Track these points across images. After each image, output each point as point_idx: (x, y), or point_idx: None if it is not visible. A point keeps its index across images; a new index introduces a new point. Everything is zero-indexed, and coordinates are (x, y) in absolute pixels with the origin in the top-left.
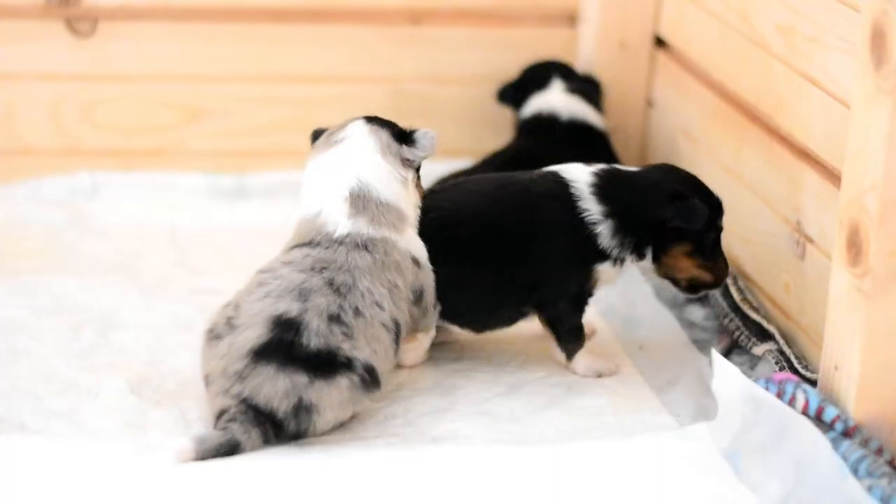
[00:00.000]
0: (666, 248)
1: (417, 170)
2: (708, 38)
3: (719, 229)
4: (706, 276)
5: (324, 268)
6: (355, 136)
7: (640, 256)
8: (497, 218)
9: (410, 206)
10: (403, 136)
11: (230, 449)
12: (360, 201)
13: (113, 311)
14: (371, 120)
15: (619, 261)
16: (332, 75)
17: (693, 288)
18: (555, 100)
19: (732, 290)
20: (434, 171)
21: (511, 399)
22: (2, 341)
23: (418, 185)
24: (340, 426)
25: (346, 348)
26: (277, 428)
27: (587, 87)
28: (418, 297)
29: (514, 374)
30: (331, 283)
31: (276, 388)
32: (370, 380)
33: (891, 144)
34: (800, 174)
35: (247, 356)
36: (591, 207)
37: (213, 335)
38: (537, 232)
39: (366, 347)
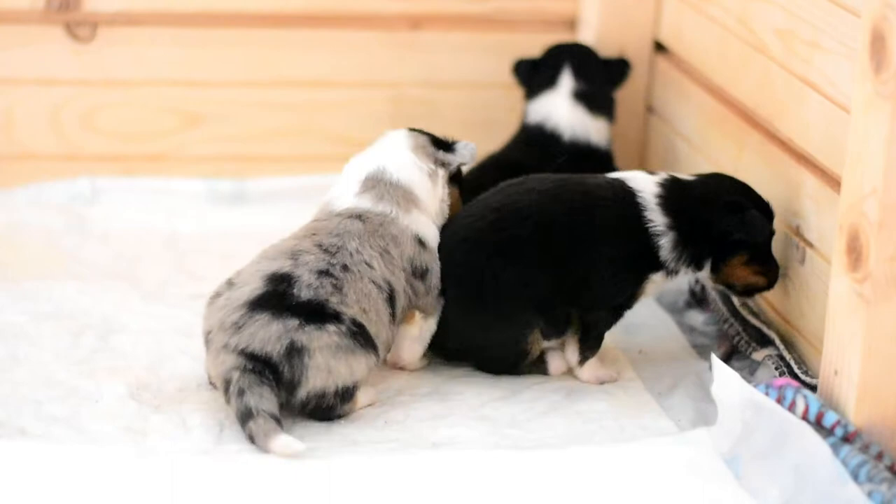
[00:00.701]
0: (725, 258)
1: (455, 178)
2: (707, 43)
3: (773, 235)
4: (762, 281)
5: (314, 234)
6: (392, 136)
7: (699, 268)
8: (558, 217)
9: (429, 194)
10: (442, 144)
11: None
12: (372, 181)
13: (113, 317)
14: (414, 129)
15: (673, 272)
16: (331, 80)
17: (748, 292)
18: (559, 113)
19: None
20: None
21: (510, 404)
22: (2, 346)
23: (452, 191)
24: (339, 420)
25: (335, 301)
26: (276, 376)
27: (598, 89)
28: (421, 274)
29: (514, 379)
30: (320, 245)
31: (270, 332)
32: (362, 336)
33: (890, 149)
34: (799, 179)
35: (243, 307)
36: (656, 219)
37: (215, 295)
38: (598, 236)
39: (355, 304)
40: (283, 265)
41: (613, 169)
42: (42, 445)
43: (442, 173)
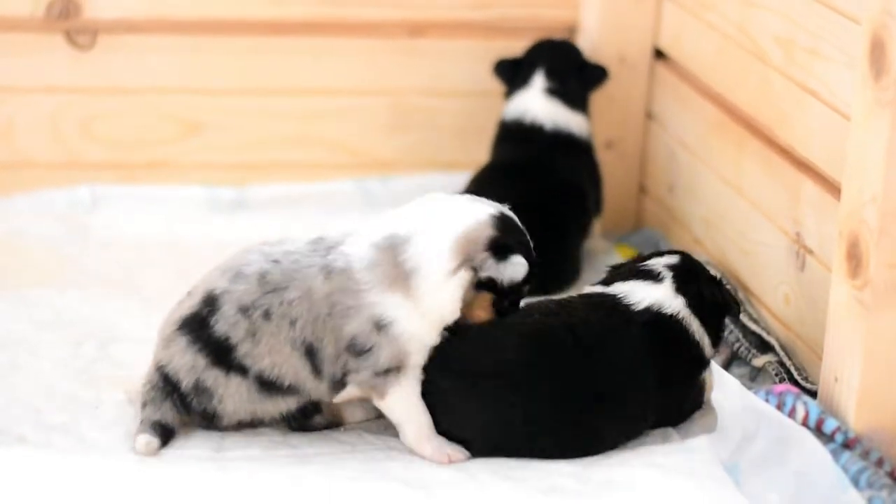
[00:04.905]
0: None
1: (494, 289)
2: (707, 50)
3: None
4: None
5: (276, 260)
6: (449, 209)
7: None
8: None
9: (435, 292)
10: (500, 247)
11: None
12: (384, 247)
13: (113, 324)
14: (484, 207)
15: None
16: (331, 88)
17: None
18: (536, 107)
19: None
20: (434, 184)
21: None
22: (2, 354)
23: (483, 297)
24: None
25: (244, 350)
26: (184, 402)
27: (570, 89)
28: (359, 352)
29: None
30: (263, 275)
31: (184, 361)
32: (274, 387)
33: (890, 156)
34: (799, 186)
35: (176, 323)
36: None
37: (179, 299)
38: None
39: (266, 356)
40: (220, 284)
41: (594, 159)
42: (42, 453)
43: (467, 277)
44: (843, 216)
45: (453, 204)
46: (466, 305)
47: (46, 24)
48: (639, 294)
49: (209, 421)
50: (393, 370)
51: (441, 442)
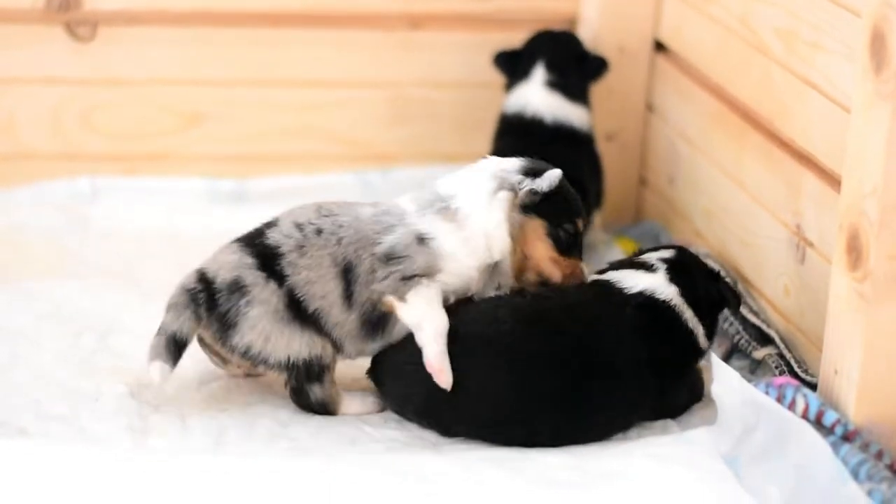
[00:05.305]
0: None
1: (556, 223)
2: (708, 42)
3: None
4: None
5: (335, 202)
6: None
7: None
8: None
9: (479, 216)
10: (529, 171)
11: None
12: (429, 188)
13: (113, 316)
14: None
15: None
16: (331, 80)
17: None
18: (536, 100)
19: None
20: (433, 175)
21: None
22: (2, 346)
23: (573, 262)
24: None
25: (289, 259)
26: (211, 301)
27: (571, 82)
28: (390, 259)
29: None
30: (321, 207)
31: (230, 259)
32: (296, 310)
33: (890, 149)
34: (800, 178)
35: (232, 239)
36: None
37: None
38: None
39: (303, 270)
40: (280, 214)
41: (596, 151)
42: (42, 445)
43: (507, 197)
44: (844, 208)
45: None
46: (522, 237)
47: (47, 15)
48: (632, 280)
49: (224, 330)
50: (419, 276)
51: (445, 352)
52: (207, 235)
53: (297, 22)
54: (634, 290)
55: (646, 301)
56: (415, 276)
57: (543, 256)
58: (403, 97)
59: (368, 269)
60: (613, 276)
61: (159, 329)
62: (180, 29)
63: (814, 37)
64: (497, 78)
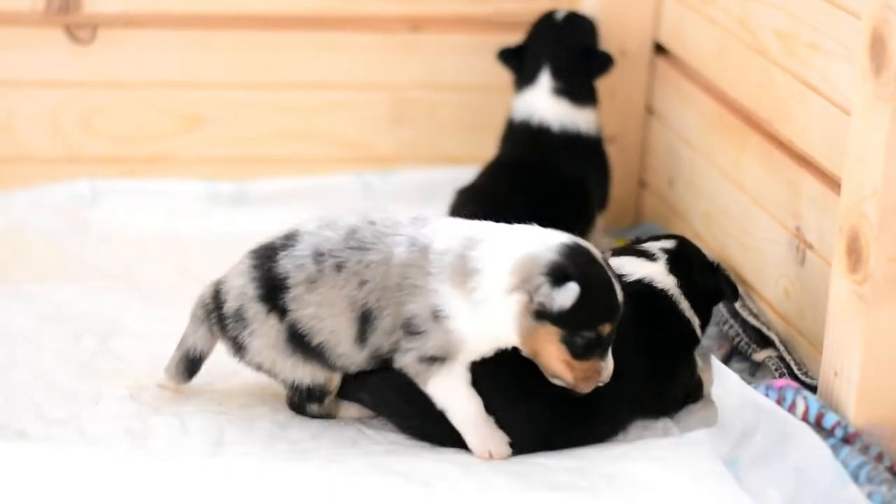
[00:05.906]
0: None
1: (572, 331)
2: (708, 44)
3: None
4: None
5: (372, 222)
6: (526, 239)
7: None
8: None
9: (492, 308)
10: (559, 274)
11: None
12: (461, 237)
13: (113, 319)
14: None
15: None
16: (331, 82)
17: None
18: (543, 108)
19: None
20: (434, 178)
21: None
22: (2, 348)
23: (592, 364)
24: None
25: (296, 293)
26: (223, 323)
27: (577, 84)
28: (411, 332)
29: None
30: (353, 231)
31: (237, 284)
32: (299, 343)
33: (890, 151)
34: (800, 180)
35: (255, 244)
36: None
37: None
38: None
39: (313, 305)
40: (309, 227)
41: (603, 153)
42: (42, 448)
43: (522, 301)
44: (844, 211)
45: (534, 229)
46: (532, 340)
47: (46, 18)
48: (631, 268)
49: (237, 350)
50: (438, 360)
51: (487, 434)
52: (207, 238)
53: (298, 25)
54: (632, 277)
55: (644, 289)
56: (432, 358)
57: (555, 359)
58: (404, 99)
59: (389, 327)
60: (614, 263)
61: (181, 341)
62: (180, 31)
63: (813, 39)
64: (498, 80)
